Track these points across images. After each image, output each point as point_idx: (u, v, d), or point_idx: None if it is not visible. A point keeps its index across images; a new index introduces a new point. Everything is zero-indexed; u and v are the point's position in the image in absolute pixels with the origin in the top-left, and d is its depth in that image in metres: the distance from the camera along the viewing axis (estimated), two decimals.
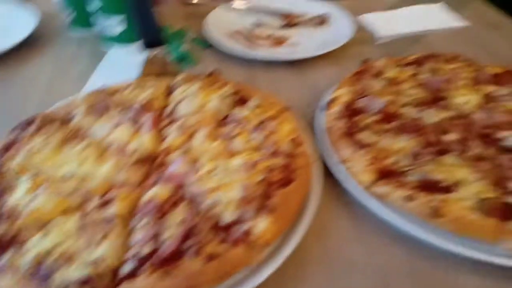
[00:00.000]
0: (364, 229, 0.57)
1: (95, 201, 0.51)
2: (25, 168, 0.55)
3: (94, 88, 0.72)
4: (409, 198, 0.53)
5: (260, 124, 0.63)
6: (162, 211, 0.49)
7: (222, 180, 0.53)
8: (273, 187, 0.52)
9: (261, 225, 0.48)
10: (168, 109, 0.67)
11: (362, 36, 1.06)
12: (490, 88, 0.74)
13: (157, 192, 0.51)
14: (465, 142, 0.62)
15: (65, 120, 0.65)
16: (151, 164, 0.59)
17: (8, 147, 0.59)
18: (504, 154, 0.60)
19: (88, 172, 0.55)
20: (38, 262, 0.44)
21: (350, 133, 0.62)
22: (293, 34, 1.03)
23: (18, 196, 0.51)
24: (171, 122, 0.64)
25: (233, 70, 0.91)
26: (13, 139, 0.61)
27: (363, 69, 0.77)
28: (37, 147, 0.58)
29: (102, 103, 0.66)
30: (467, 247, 0.50)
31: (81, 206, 0.51)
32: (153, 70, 0.77)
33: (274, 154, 0.58)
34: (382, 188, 0.55)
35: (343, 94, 0.70)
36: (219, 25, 1.03)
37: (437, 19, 1.11)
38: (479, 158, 0.58)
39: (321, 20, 1.04)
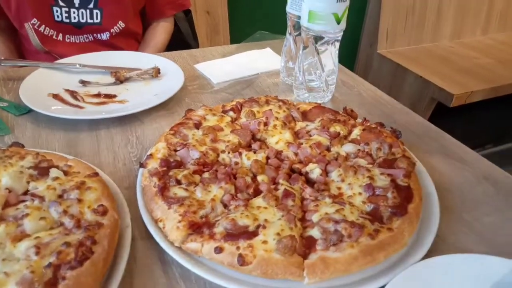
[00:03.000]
0: None
1: None
2: None
3: None
4: (217, 250, 0.52)
5: (60, 197, 0.57)
6: None
7: None
8: (64, 269, 0.46)
9: None
10: None
11: (200, 83, 1.09)
12: (302, 124, 0.80)
13: None
14: (274, 182, 0.65)
15: None
16: None
17: None
18: (308, 187, 0.64)
19: None
20: None
21: (162, 190, 0.60)
22: (124, 89, 1.00)
23: None
24: None
25: (55, 135, 0.83)
26: None
27: (183, 121, 0.77)
28: None
29: None
30: None
31: None
32: None
33: (74, 229, 0.52)
34: (193, 244, 0.54)
35: (160, 149, 0.69)
36: (40, 87, 0.95)
37: (265, 62, 1.20)
38: (286, 195, 0.60)
39: (152, 74, 1.04)
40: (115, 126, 0.87)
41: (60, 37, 1.30)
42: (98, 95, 0.96)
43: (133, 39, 1.44)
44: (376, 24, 2.44)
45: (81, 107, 0.91)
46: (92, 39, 1.33)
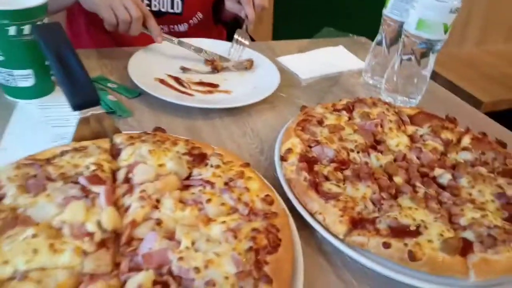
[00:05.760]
0: (346, 278, 0.58)
1: None
2: None
3: (15, 155, 0.60)
4: (386, 245, 0.56)
5: (227, 184, 0.60)
6: None
7: (208, 254, 0.48)
8: (263, 254, 0.50)
9: None
10: (121, 175, 0.60)
11: (285, 78, 1.12)
12: (412, 129, 0.84)
13: (142, 279, 0.44)
14: (410, 183, 0.69)
15: None
16: (116, 243, 0.51)
17: None
18: (443, 191, 0.68)
19: (44, 266, 0.45)
20: None
21: (314, 185, 0.64)
22: (223, 79, 1.03)
23: None
24: (128, 191, 0.57)
25: (171, 120, 0.86)
26: None
27: (306, 118, 0.80)
28: None
29: (37, 177, 0.56)
30: (441, 284, 0.55)
31: None
32: (86, 131, 0.68)
33: (250, 215, 0.56)
34: (359, 237, 0.58)
35: (296, 144, 0.72)
36: (144, 70, 0.97)
37: (344, 61, 1.23)
38: (426, 198, 0.65)
39: (246, 65, 1.06)
40: (226, 115, 0.90)
41: None
42: (201, 83, 0.99)
43: (208, 33, 1.43)
44: None
45: (190, 95, 0.93)
46: (168, 30, 1.32)
